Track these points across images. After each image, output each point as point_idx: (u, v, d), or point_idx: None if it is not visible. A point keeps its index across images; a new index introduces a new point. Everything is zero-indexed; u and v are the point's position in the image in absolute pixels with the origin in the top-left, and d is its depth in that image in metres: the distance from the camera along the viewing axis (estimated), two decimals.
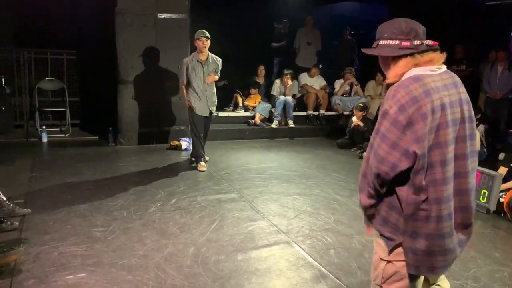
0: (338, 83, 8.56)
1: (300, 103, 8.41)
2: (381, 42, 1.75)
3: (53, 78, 7.34)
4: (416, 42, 1.68)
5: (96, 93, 7.32)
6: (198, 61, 5.44)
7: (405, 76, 1.69)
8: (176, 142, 6.67)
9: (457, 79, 1.74)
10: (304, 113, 8.35)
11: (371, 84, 8.67)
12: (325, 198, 4.71)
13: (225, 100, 7.82)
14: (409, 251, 1.68)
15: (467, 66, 8.41)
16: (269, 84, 8.62)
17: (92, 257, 3.15)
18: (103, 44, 6.92)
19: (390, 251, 1.72)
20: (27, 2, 6.96)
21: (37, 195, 4.35)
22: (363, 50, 1.89)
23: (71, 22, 7.00)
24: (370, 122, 7.60)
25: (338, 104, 8.39)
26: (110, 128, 6.72)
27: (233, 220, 3.97)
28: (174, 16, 6.61)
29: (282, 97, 7.76)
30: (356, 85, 8.49)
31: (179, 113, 6.94)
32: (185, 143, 6.63)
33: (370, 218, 1.79)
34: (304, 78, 8.38)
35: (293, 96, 8.04)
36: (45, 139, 6.68)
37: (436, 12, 8.99)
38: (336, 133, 8.00)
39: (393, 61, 1.73)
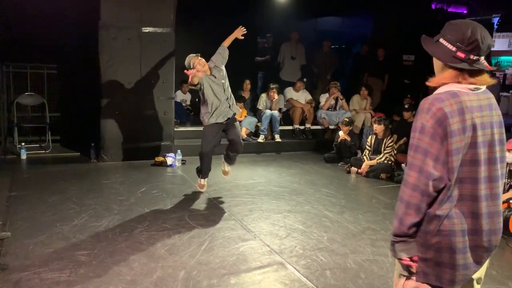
0: (323, 97, 8.55)
1: (286, 117, 8.36)
2: (441, 40, 1.68)
3: (33, 93, 7.11)
4: (473, 57, 1.61)
5: (78, 108, 7.12)
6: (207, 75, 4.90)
7: (443, 89, 1.64)
8: (161, 158, 6.51)
9: (493, 101, 1.69)
10: (290, 127, 8.30)
11: (355, 98, 8.69)
12: (316, 215, 4.62)
13: None
14: (420, 260, 1.66)
15: None
16: (254, 98, 8.56)
17: (77, 283, 2.98)
18: (85, 58, 6.76)
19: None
20: (6, 15, 6.76)
21: (16, 217, 4.13)
22: (422, 37, 1.77)
23: (52, 35, 6.81)
24: (356, 137, 7.59)
25: (324, 118, 8.37)
26: (93, 144, 6.52)
27: (224, 241, 3.84)
28: (159, 30, 6.50)
29: (268, 111, 7.70)
30: (341, 99, 8.49)
31: (164, 128, 6.79)
32: (171, 159, 6.48)
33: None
34: (290, 92, 8.34)
35: (279, 110, 7.99)
36: (24, 156, 6.42)
37: (419, 26, 9.11)
38: (322, 147, 7.96)
39: (443, 65, 1.67)
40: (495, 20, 10.41)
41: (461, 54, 1.61)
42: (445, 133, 1.55)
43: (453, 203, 1.61)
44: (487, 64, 1.65)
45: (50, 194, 4.81)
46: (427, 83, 1.74)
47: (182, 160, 6.59)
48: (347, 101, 8.60)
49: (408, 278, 1.71)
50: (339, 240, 4.01)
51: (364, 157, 6.74)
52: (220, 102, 4.85)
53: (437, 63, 1.72)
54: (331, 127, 8.38)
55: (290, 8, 9.49)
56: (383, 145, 6.60)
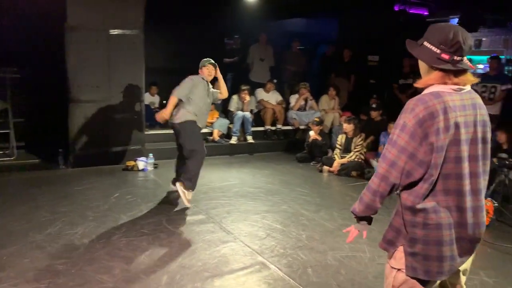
0: (293, 98, 8.64)
1: (257, 119, 8.40)
2: (425, 43, 1.75)
3: None
4: (456, 58, 1.69)
5: (44, 113, 6.89)
6: (206, 81, 4.94)
7: (428, 90, 1.72)
8: (133, 163, 6.40)
9: (478, 100, 1.77)
10: (261, 128, 8.34)
11: (324, 98, 8.83)
12: (293, 214, 4.68)
13: None
14: (408, 254, 1.75)
15: (414, 80, 8.80)
16: (225, 100, 8.53)
17: None
18: (51, 61, 6.55)
19: (391, 256, 1.82)
20: None
21: None
22: (407, 41, 1.84)
23: (15, 38, 6.56)
24: (327, 136, 7.73)
25: (294, 118, 8.47)
26: (61, 150, 6.32)
27: (204, 243, 3.83)
28: (127, 32, 6.39)
29: (240, 113, 7.71)
30: (310, 100, 8.62)
31: (134, 132, 6.68)
32: (142, 163, 6.38)
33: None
34: (261, 93, 8.39)
35: (250, 111, 8.02)
36: None
37: (383, 27, 9.38)
38: (294, 147, 8.05)
39: (429, 67, 1.75)
40: (453, 21, 10.85)
41: (445, 56, 1.69)
42: (425, 134, 1.64)
43: (436, 197, 1.69)
44: (470, 64, 1.74)
45: (19, 203, 4.63)
46: (415, 85, 1.81)
47: (154, 164, 6.51)
48: (316, 102, 8.74)
49: (399, 270, 1.78)
50: (318, 238, 4.08)
51: (335, 156, 6.88)
52: (201, 111, 4.85)
53: (422, 66, 1.80)
54: (302, 127, 8.49)
55: (257, 9, 9.54)
56: (353, 144, 6.75)
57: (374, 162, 6.67)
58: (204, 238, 3.95)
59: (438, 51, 1.70)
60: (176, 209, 4.72)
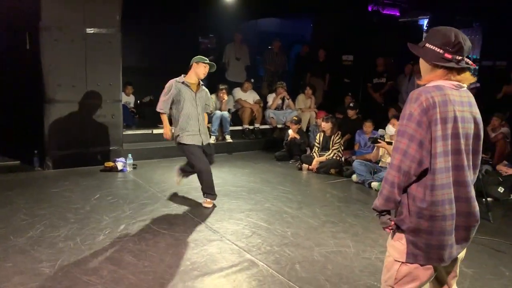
0: (270, 97, 8.72)
1: (234, 118, 8.42)
2: (427, 45, 1.86)
3: None
4: (458, 57, 1.80)
5: (17, 114, 6.70)
6: (188, 86, 4.65)
7: (430, 83, 1.83)
8: (111, 164, 6.31)
9: (472, 99, 1.89)
10: (239, 128, 8.37)
11: (301, 97, 8.95)
12: (277, 212, 4.74)
13: (158, 117, 7.56)
14: (410, 242, 1.82)
15: (387, 79, 9.04)
16: None
17: None
18: (25, 61, 6.38)
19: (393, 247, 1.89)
20: None
21: None
22: (409, 44, 1.95)
23: None
24: (305, 134, 7.83)
25: (272, 117, 8.54)
26: (36, 151, 6.17)
27: (191, 243, 3.83)
28: (103, 31, 6.29)
29: (218, 112, 7.71)
30: (287, 99, 8.71)
31: (112, 132, 6.58)
32: (121, 163, 6.30)
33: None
34: (238, 92, 8.42)
35: (228, 111, 8.04)
36: None
37: (357, 27, 9.57)
38: (272, 146, 8.13)
39: (432, 66, 1.85)
40: (422, 22, 11.19)
41: (448, 55, 1.80)
42: (429, 121, 1.73)
43: (441, 189, 1.77)
44: (472, 62, 1.86)
45: None
46: (418, 82, 1.91)
47: (133, 165, 6.44)
48: (293, 101, 8.83)
49: (403, 263, 1.85)
50: (303, 234, 4.14)
51: (314, 154, 6.98)
52: (192, 123, 4.71)
53: (424, 65, 1.91)
54: (279, 126, 8.58)
55: (232, 9, 9.57)
56: (331, 142, 6.87)
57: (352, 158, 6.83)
58: (191, 237, 3.95)
59: (441, 51, 1.81)
60: (159, 209, 4.69)
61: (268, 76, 9.92)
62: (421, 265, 1.83)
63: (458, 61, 1.80)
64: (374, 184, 5.84)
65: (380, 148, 5.97)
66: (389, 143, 5.75)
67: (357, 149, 7.36)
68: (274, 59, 9.81)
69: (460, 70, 1.83)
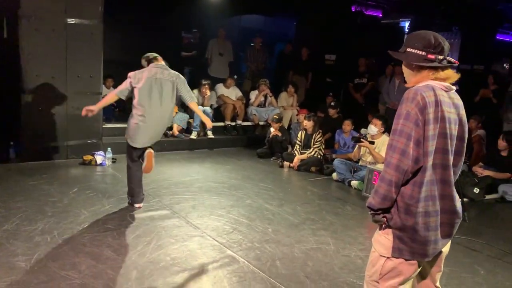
0: (253, 94, 8.70)
1: (217, 114, 8.38)
2: (408, 49, 1.90)
3: None
4: (440, 57, 1.85)
5: None
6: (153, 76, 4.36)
7: (421, 84, 1.86)
8: (90, 157, 6.19)
9: (460, 102, 1.94)
10: (221, 124, 8.34)
11: (283, 95, 8.97)
12: (258, 209, 4.74)
13: None
14: (396, 237, 1.86)
15: (368, 79, 9.14)
16: None
17: None
18: (0, 49, 6.19)
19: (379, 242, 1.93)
20: None
21: None
22: (390, 51, 2.02)
23: None
24: (286, 132, 7.86)
25: (254, 114, 8.54)
26: (12, 143, 6.01)
27: (171, 238, 3.80)
28: (85, 21, 6.16)
29: (200, 108, 7.65)
30: (270, 96, 8.71)
31: (91, 125, 6.44)
32: (100, 157, 6.19)
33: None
34: (221, 88, 8.38)
35: (210, 106, 8.00)
36: None
37: (340, 27, 9.65)
38: (254, 143, 8.13)
39: (416, 69, 1.90)
40: (403, 24, 11.35)
41: (431, 56, 1.86)
42: (424, 120, 1.77)
43: (427, 186, 1.81)
44: (454, 60, 1.91)
45: None
46: (406, 85, 1.94)
47: (113, 159, 6.33)
48: (275, 98, 8.85)
49: (388, 258, 1.88)
50: (283, 231, 4.16)
51: (295, 151, 7.01)
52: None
53: (407, 70, 1.96)
54: (261, 123, 8.58)
55: (216, 4, 9.52)
56: (312, 140, 6.91)
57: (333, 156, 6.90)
58: (171, 233, 3.92)
59: (424, 53, 1.87)
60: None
61: (250, 72, 9.88)
62: (406, 260, 1.86)
63: (441, 61, 1.86)
64: (354, 183, 5.91)
65: (362, 147, 6.03)
66: (371, 143, 5.82)
67: (337, 149, 7.42)
68: (255, 56, 9.77)
69: (444, 68, 1.89)
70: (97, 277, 3.02)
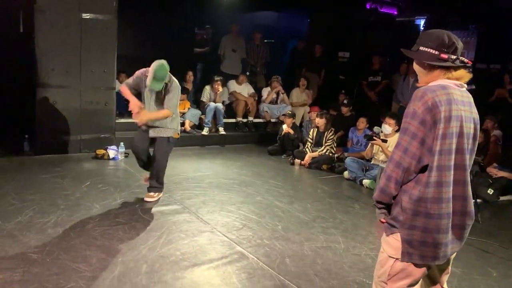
0: (265, 91, 8.69)
1: (228, 110, 8.39)
2: (421, 48, 1.88)
3: None
4: (453, 57, 1.83)
5: (7, 98, 6.59)
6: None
7: (434, 83, 1.84)
8: (103, 151, 6.26)
9: (472, 100, 1.91)
10: (233, 120, 8.35)
11: (295, 92, 8.94)
12: (268, 206, 4.74)
13: None
14: (405, 241, 1.83)
15: (382, 77, 9.05)
16: (196, 90, 8.48)
17: (33, 282, 2.81)
18: (17, 44, 6.28)
19: (387, 243, 1.90)
20: None
21: None
22: (402, 49, 2.00)
23: None
24: (298, 130, 7.83)
25: (266, 111, 8.53)
26: (27, 136, 6.10)
27: (181, 233, 3.82)
28: (100, 16, 6.21)
29: (212, 104, 7.68)
30: (282, 94, 8.69)
31: (104, 119, 6.53)
32: (113, 152, 6.25)
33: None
34: (233, 85, 8.38)
35: (222, 103, 8.00)
36: None
37: (354, 24, 9.56)
38: (265, 140, 8.12)
39: (428, 68, 1.88)
40: (419, 22, 11.22)
41: (444, 56, 1.83)
42: (434, 120, 1.74)
43: (438, 187, 1.78)
44: (468, 60, 1.88)
45: None
46: (417, 84, 1.92)
47: (125, 153, 6.38)
48: (287, 95, 8.81)
49: (397, 259, 1.86)
50: (293, 228, 4.15)
51: (307, 149, 6.99)
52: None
53: (419, 68, 1.93)
54: (273, 120, 8.57)
55: (229, 1, 9.50)
56: (324, 138, 6.88)
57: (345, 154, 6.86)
58: (181, 228, 3.93)
59: (437, 52, 1.84)
60: None
61: (249, 68, 9.69)
62: (416, 267, 1.84)
63: (454, 60, 1.84)
64: (366, 182, 5.86)
65: (375, 146, 5.99)
66: (384, 141, 5.77)
67: (350, 146, 7.38)
68: (255, 51, 9.64)
69: (457, 68, 1.86)
70: (107, 270, 3.05)
